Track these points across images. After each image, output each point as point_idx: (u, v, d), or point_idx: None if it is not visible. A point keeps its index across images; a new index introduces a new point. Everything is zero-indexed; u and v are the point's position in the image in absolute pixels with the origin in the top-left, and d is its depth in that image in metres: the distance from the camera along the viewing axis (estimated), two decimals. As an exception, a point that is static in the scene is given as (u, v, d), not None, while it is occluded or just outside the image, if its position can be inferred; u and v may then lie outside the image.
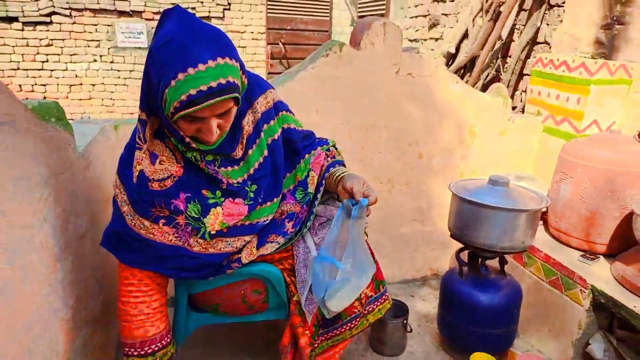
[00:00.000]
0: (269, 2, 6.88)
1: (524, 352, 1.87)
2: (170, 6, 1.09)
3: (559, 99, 2.24)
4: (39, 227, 1.08)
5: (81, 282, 1.37)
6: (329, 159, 1.43)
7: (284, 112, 1.39)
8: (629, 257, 1.70)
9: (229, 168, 1.24)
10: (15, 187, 0.97)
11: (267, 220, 1.34)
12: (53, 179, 1.18)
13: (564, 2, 2.58)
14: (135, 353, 1.25)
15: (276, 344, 1.47)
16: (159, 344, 1.28)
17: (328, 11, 7.19)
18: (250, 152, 1.27)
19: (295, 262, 1.41)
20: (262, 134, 1.29)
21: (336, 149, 1.51)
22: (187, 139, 1.09)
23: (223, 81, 1.00)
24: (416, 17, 4.60)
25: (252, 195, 1.28)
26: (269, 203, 1.33)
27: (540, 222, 2.12)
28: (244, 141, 1.25)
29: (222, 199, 1.23)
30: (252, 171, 1.28)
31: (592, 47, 2.33)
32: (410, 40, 4.69)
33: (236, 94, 1.06)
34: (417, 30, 4.58)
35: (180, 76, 0.96)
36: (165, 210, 1.17)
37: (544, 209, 2.06)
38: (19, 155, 1.00)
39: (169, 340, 1.31)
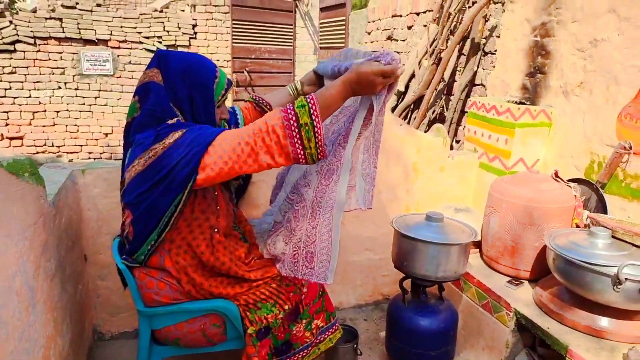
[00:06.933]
0: (234, 32, 7.08)
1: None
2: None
3: (491, 139, 2.50)
4: (15, 277, 1.21)
5: (51, 322, 1.49)
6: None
7: None
8: (546, 283, 1.94)
9: None
10: (-4, 245, 1.10)
11: None
12: (27, 231, 1.32)
13: (496, 50, 2.88)
14: None
15: (234, 372, 1.62)
16: None
17: (292, 40, 7.44)
18: None
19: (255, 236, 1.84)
20: None
21: None
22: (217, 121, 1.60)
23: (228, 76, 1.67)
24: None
25: None
26: None
27: (477, 250, 2.35)
28: None
29: None
30: None
31: (520, 92, 2.62)
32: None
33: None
34: (373, 65, 4.84)
35: (217, 73, 1.54)
36: None
37: (479, 239, 2.30)
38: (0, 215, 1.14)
39: None
